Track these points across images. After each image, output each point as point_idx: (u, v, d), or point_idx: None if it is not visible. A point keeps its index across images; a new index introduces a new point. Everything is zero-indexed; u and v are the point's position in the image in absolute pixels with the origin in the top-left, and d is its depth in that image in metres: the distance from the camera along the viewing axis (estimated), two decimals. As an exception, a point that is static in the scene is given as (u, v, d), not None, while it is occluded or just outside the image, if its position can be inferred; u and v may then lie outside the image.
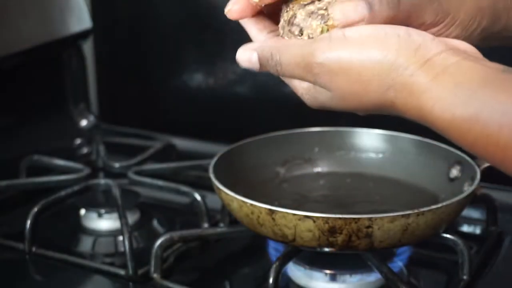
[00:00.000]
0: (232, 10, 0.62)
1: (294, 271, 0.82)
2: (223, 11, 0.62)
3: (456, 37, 0.59)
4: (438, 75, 0.52)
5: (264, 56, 0.60)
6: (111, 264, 0.87)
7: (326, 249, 0.75)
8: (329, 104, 0.58)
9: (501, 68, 0.52)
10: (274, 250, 0.84)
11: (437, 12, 0.58)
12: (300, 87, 0.60)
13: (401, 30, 0.54)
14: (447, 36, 0.59)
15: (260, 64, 0.61)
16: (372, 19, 0.56)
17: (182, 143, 1.18)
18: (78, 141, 1.22)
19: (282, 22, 0.62)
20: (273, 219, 0.74)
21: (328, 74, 0.55)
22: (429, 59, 0.53)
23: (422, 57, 0.53)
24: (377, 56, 0.54)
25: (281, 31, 0.62)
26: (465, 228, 0.95)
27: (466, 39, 0.59)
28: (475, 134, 0.51)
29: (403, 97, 0.54)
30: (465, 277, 0.80)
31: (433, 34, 0.57)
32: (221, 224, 0.93)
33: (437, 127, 0.53)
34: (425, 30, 0.57)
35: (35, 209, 0.89)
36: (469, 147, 0.53)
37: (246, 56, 0.61)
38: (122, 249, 0.87)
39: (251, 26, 0.64)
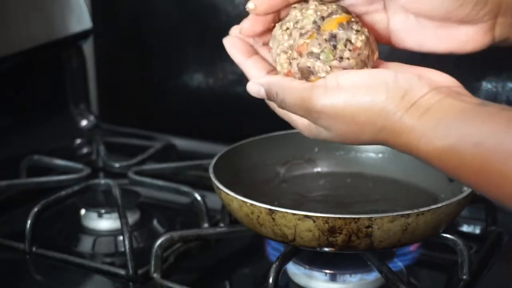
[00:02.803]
0: (243, 28, 0.68)
1: (294, 270, 0.82)
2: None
3: (464, 17, 0.64)
4: (422, 115, 0.58)
5: (270, 93, 0.66)
6: (111, 264, 0.87)
7: (326, 249, 0.75)
8: (329, 139, 0.65)
9: (477, 102, 0.58)
10: (273, 250, 0.84)
11: None
12: (300, 123, 0.66)
13: (390, 77, 0.60)
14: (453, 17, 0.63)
15: (268, 97, 0.67)
16: None
17: (182, 143, 1.18)
18: (78, 141, 1.22)
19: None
20: (273, 219, 0.74)
21: (326, 118, 0.62)
22: (414, 102, 0.59)
23: (408, 102, 0.59)
24: (368, 104, 0.60)
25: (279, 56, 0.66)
26: (465, 228, 0.95)
27: (476, 21, 0.64)
28: (453, 164, 0.57)
29: (393, 137, 0.60)
30: (464, 277, 0.80)
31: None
32: (221, 224, 0.93)
33: (423, 159, 0.60)
34: None
35: (35, 209, 0.89)
36: (451, 174, 0.59)
37: (255, 89, 0.68)
38: (122, 249, 0.87)
39: (250, 67, 0.70)
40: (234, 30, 0.71)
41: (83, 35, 1.20)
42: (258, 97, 0.68)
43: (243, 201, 0.76)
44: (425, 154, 0.59)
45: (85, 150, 1.21)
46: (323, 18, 0.64)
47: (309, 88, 0.62)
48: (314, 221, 0.72)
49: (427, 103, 0.58)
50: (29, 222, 0.88)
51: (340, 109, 0.60)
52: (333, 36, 0.63)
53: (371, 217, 0.72)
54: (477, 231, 0.94)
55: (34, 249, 0.88)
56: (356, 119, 0.60)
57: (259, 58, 0.70)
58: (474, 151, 0.56)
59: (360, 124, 0.60)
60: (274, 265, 0.75)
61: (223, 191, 0.79)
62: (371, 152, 0.96)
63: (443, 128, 0.57)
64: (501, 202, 0.56)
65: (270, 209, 0.74)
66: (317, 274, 0.80)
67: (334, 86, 0.61)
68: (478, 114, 0.57)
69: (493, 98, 0.96)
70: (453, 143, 0.57)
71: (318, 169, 0.97)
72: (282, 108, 0.65)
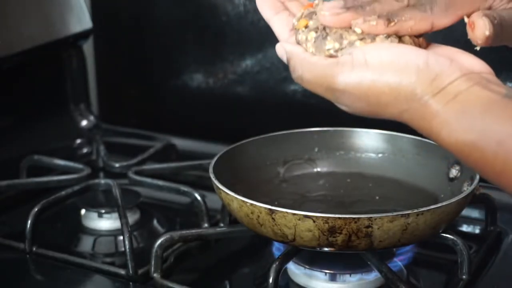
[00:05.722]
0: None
1: (294, 270, 0.82)
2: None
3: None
4: (448, 102, 0.56)
5: (290, 64, 0.63)
6: (111, 264, 0.87)
7: (326, 249, 0.75)
8: (344, 110, 0.62)
9: (504, 92, 0.56)
10: (277, 250, 0.84)
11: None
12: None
13: (421, 59, 0.57)
14: None
15: (287, 63, 0.64)
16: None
17: (182, 143, 1.18)
18: (78, 141, 1.22)
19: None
20: (273, 219, 0.74)
21: (348, 98, 0.59)
22: (443, 88, 0.57)
23: (437, 87, 0.57)
24: (396, 85, 0.57)
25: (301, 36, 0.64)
26: (465, 228, 0.95)
27: None
28: (474, 159, 0.56)
29: (416, 119, 0.58)
30: (464, 276, 0.80)
31: None
32: (221, 224, 0.93)
33: (444, 147, 0.58)
34: None
35: (36, 209, 0.89)
36: (470, 167, 0.58)
37: (280, 52, 0.65)
38: (122, 249, 0.87)
39: (276, 23, 0.67)
40: None
41: (83, 35, 1.20)
42: (282, 59, 0.65)
43: (243, 201, 0.76)
44: (446, 144, 0.57)
45: (85, 150, 1.20)
46: None
47: (333, 65, 0.59)
48: (314, 221, 0.72)
49: (455, 89, 0.56)
50: (29, 222, 0.88)
51: (365, 88, 0.58)
52: None
53: (371, 217, 0.72)
54: (477, 231, 0.94)
55: (34, 249, 0.88)
56: (380, 100, 0.58)
57: (287, 15, 0.67)
58: (497, 149, 0.54)
59: (383, 104, 0.58)
60: (274, 265, 0.75)
61: (223, 191, 0.79)
62: (371, 152, 0.96)
63: (466, 121, 0.55)
64: None
65: (270, 209, 0.74)
66: (317, 274, 0.80)
67: (361, 63, 0.58)
68: (504, 108, 0.54)
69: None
70: (475, 139, 0.55)
71: (318, 169, 0.97)
72: (300, 83, 0.63)
